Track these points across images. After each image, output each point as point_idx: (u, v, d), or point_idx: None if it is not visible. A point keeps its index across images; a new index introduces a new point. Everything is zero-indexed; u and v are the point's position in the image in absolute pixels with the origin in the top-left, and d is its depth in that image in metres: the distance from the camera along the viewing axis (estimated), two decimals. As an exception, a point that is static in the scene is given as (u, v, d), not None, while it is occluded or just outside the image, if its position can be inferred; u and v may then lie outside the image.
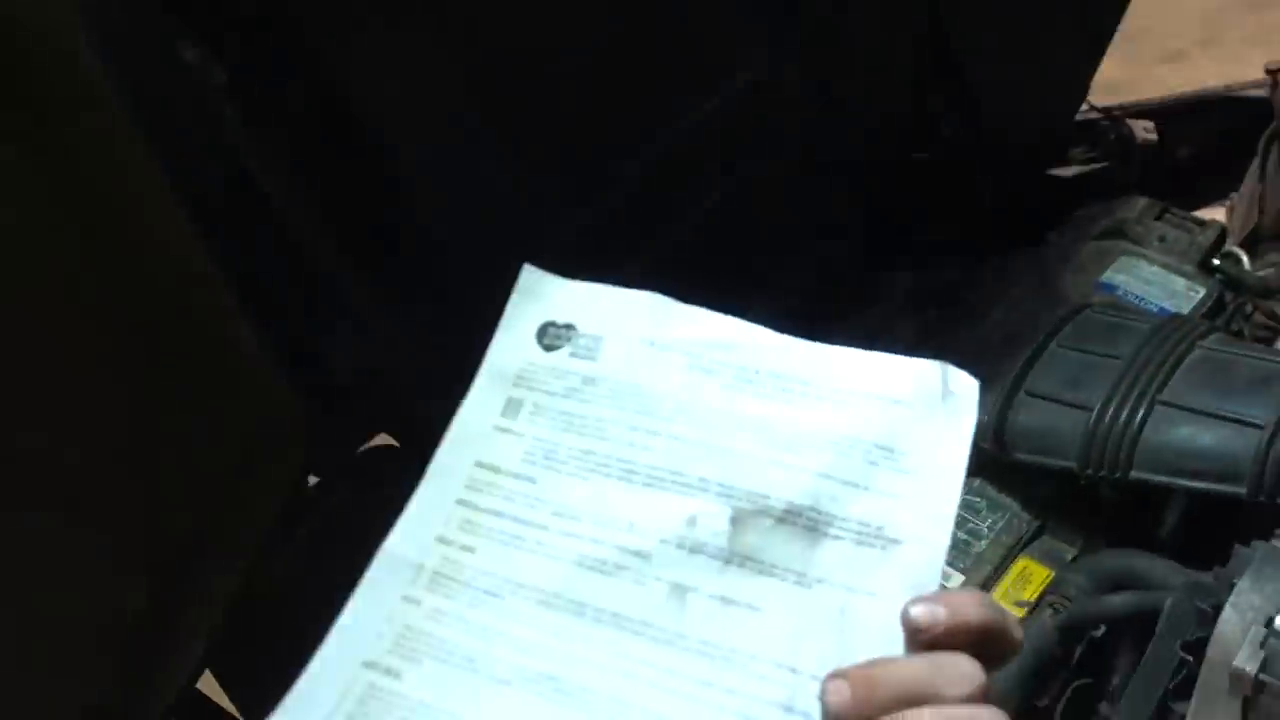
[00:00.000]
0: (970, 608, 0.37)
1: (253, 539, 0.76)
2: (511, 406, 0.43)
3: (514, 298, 0.45)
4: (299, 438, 0.74)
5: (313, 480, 0.92)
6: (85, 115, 0.58)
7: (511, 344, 0.45)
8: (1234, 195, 1.26)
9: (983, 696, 0.36)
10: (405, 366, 0.82)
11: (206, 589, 0.74)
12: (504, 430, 0.43)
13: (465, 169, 0.82)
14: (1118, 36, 1.22)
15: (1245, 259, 1.06)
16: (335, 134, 0.73)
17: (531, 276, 0.45)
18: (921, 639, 0.37)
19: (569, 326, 0.45)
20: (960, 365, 0.98)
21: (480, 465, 0.43)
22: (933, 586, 0.39)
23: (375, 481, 0.89)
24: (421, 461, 0.43)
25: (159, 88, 0.64)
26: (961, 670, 0.36)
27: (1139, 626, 0.79)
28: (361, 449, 0.93)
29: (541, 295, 0.45)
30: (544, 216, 0.85)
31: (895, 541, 0.39)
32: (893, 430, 0.41)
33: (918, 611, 0.37)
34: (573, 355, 0.44)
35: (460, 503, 0.42)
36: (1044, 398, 0.87)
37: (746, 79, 1.01)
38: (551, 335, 0.45)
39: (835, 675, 0.36)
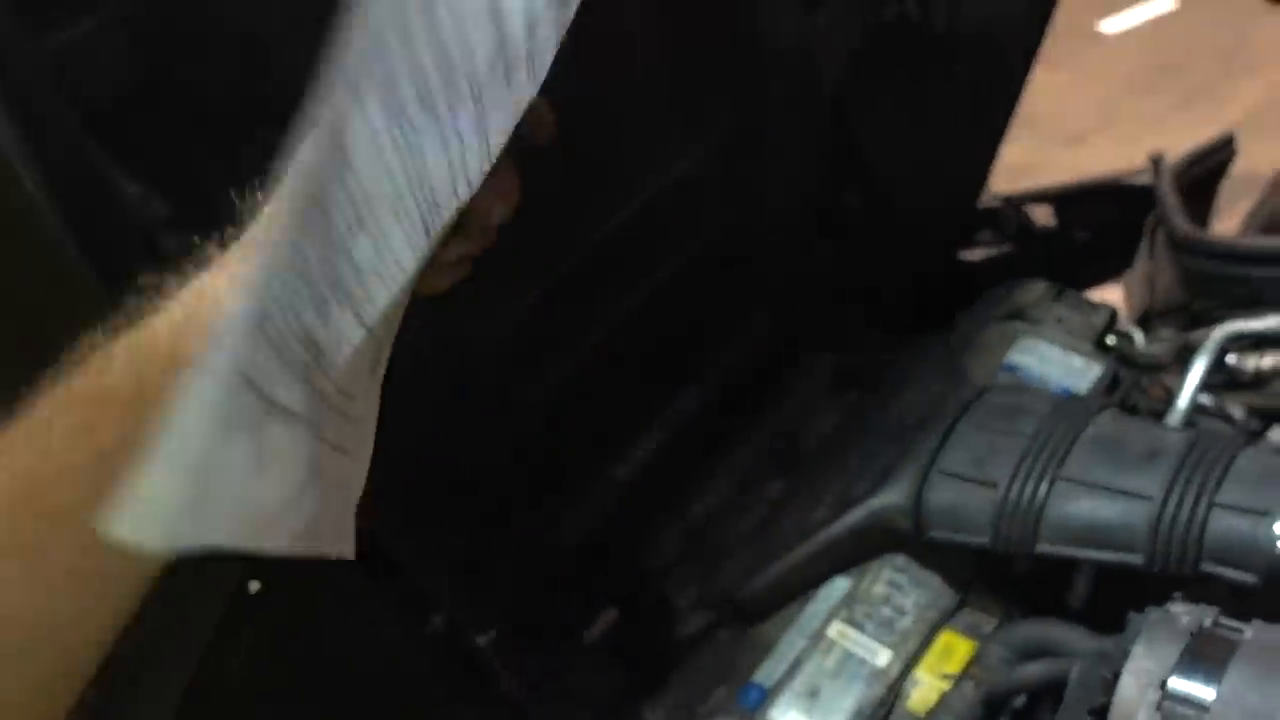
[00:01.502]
0: None
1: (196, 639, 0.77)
2: None
3: None
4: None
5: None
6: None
7: None
8: (1130, 273, 1.35)
9: None
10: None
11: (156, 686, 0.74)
12: None
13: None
14: (1020, 121, 1.30)
15: (1138, 336, 1.12)
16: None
17: None
18: None
19: None
20: (877, 447, 1.03)
21: None
22: None
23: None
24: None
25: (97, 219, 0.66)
26: None
27: (1055, 693, 0.83)
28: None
29: None
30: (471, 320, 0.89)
31: None
32: None
33: None
34: None
35: None
36: (955, 476, 0.92)
37: (669, 179, 1.07)
38: None
39: None
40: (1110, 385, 1.05)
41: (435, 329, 0.86)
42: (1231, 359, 1.10)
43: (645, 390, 1.10)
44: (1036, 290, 1.14)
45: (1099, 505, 0.85)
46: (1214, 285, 1.14)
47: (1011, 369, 1.07)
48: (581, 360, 1.00)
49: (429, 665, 0.80)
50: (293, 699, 0.74)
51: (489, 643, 0.78)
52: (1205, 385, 1.05)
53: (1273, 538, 0.78)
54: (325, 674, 0.75)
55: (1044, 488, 0.87)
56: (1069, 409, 0.93)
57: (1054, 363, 1.06)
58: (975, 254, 1.40)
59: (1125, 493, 0.84)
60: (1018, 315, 1.11)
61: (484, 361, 0.89)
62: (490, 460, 0.89)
